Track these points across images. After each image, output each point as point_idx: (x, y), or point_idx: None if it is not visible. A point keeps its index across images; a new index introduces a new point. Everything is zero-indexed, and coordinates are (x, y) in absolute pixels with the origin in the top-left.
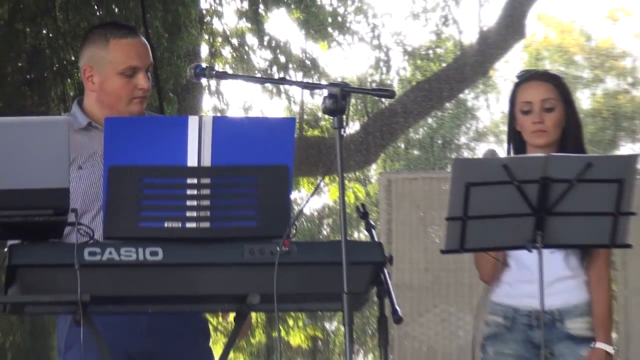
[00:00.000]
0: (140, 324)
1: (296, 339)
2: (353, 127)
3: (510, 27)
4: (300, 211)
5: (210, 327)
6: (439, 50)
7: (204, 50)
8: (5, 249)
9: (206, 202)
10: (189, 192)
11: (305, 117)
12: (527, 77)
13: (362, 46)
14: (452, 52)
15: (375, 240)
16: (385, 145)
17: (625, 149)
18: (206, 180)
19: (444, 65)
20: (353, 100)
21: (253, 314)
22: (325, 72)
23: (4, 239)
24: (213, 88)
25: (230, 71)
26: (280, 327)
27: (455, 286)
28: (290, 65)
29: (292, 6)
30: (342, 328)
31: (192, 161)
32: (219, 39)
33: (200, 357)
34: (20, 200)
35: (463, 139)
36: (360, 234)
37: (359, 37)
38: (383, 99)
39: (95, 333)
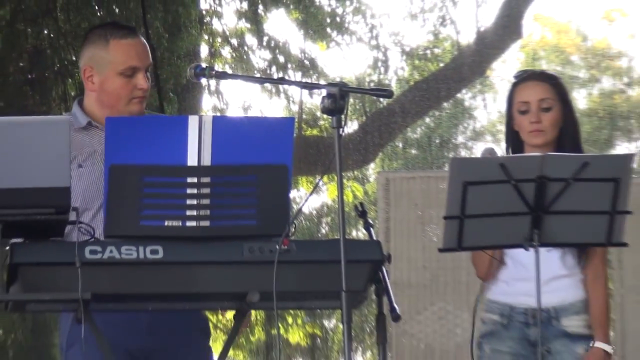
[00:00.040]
0: (141, 322)
1: (295, 336)
2: (351, 127)
3: (507, 28)
4: (299, 210)
5: (210, 325)
6: (436, 51)
7: (204, 50)
8: (7, 248)
9: (206, 201)
10: (189, 191)
11: (304, 116)
12: (525, 77)
13: (361, 46)
14: (450, 52)
15: (373, 239)
16: (384, 145)
17: (621, 148)
18: (206, 179)
19: (441, 65)
20: (351, 100)
21: (252, 312)
22: (323, 72)
23: (6, 237)
24: (213, 88)
25: (229, 71)
26: (280, 325)
27: (453, 284)
28: (289, 65)
29: (291, 7)
30: (341, 326)
31: (192, 160)
32: (219, 39)
33: (200, 355)
34: (22, 199)
35: (460, 139)
36: (359, 233)
37: (357, 37)
38: (381, 99)
39: (96, 331)
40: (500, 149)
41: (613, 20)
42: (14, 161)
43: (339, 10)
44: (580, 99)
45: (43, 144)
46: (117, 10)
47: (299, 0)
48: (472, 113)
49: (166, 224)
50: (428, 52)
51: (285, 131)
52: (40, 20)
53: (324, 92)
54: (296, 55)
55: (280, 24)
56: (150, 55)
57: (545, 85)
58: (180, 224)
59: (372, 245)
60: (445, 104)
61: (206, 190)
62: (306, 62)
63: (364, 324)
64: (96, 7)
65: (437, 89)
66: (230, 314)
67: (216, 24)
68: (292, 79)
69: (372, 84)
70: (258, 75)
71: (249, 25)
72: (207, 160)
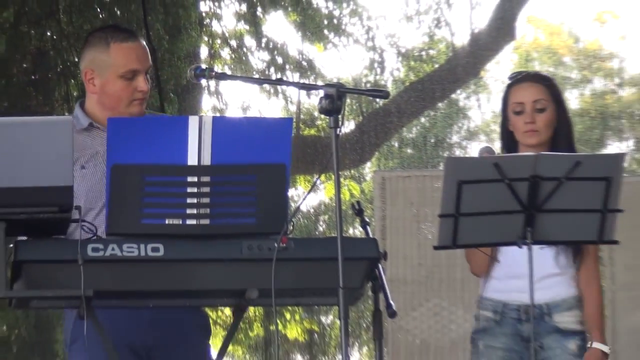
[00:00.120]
0: (143, 318)
1: (293, 332)
2: (348, 127)
3: (501, 29)
4: (297, 208)
5: (210, 322)
6: (431, 52)
7: (204, 51)
8: (11, 245)
9: (206, 200)
10: (189, 190)
11: (302, 116)
12: (519, 79)
13: (357, 48)
14: (445, 53)
15: (369, 237)
16: (380, 144)
17: (613, 147)
18: (206, 179)
19: (436, 66)
20: (348, 101)
21: (251, 308)
22: (321, 73)
23: (10, 235)
24: (212, 88)
25: (229, 72)
26: (278, 321)
27: (448, 281)
28: (288, 67)
29: (289, 9)
30: (338, 322)
31: (192, 160)
32: (218, 41)
33: (199, 351)
34: (25, 198)
35: (455, 138)
36: (356, 231)
37: (354, 39)
38: (377, 99)
39: (98, 327)
40: (496, 149)
41: (605, 22)
42: (17, 161)
43: (336, 13)
44: (573, 100)
45: (46, 143)
46: (118, 13)
47: (296, 2)
48: (466, 113)
49: (167, 222)
50: (423, 53)
51: (284, 131)
52: (44, 23)
53: (321, 92)
54: (294, 56)
55: (279, 26)
56: (150, 58)
57: (540, 87)
58: (181, 222)
59: (368, 243)
60: (440, 104)
61: (206, 189)
62: (304, 63)
63: (360, 320)
64: (98, 10)
65: (432, 90)
66: (229, 310)
67: (216, 26)
68: (290, 79)
69: (368, 85)
70: (257, 76)
71: (247, 27)
72: (207, 160)
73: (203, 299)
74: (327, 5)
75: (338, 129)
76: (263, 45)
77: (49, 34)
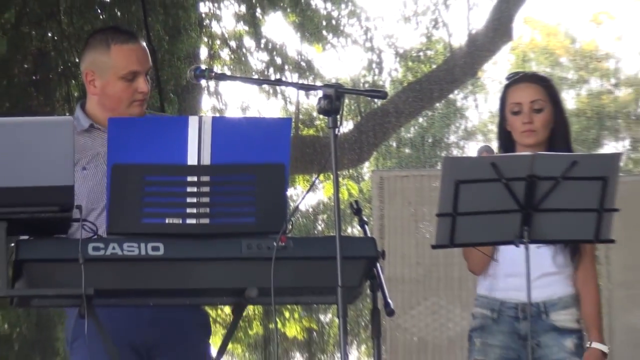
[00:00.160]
0: (144, 316)
1: (292, 330)
2: (347, 127)
3: (498, 30)
4: (296, 207)
5: (210, 320)
6: (429, 52)
7: (203, 52)
8: (12, 244)
9: (206, 199)
10: (189, 189)
11: (300, 117)
12: (517, 79)
13: (356, 48)
14: (442, 54)
15: (368, 236)
16: (378, 144)
17: (609, 147)
18: (206, 178)
19: (434, 66)
20: (347, 101)
21: (251, 307)
22: (320, 73)
23: (12, 234)
24: (212, 89)
25: (228, 72)
26: (277, 319)
27: (445, 280)
28: (286, 67)
29: (288, 10)
30: (337, 320)
31: (192, 160)
32: (218, 42)
33: (200, 350)
34: (27, 198)
35: (452, 138)
36: (354, 230)
37: (352, 39)
38: (376, 100)
39: (98, 325)
40: (493, 148)
41: (601, 23)
42: (18, 161)
43: (335, 14)
44: (569, 100)
45: (47, 143)
46: (119, 14)
47: (295, 3)
48: (464, 113)
49: (167, 221)
50: (421, 54)
51: (283, 131)
52: (45, 24)
53: (320, 93)
54: (293, 57)
55: (278, 27)
56: (150, 59)
57: (537, 87)
58: (181, 221)
59: (366, 242)
60: (437, 105)
61: (206, 189)
62: (303, 63)
63: (359, 319)
64: (99, 11)
65: (429, 90)
66: (229, 309)
67: (215, 27)
68: (289, 80)
69: (366, 85)
70: (256, 76)
71: (247, 28)
72: (206, 160)
73: (203, 298)
74: (325, 6)
75: (336, 129)
76: (262, 46)
77: (49, 34)
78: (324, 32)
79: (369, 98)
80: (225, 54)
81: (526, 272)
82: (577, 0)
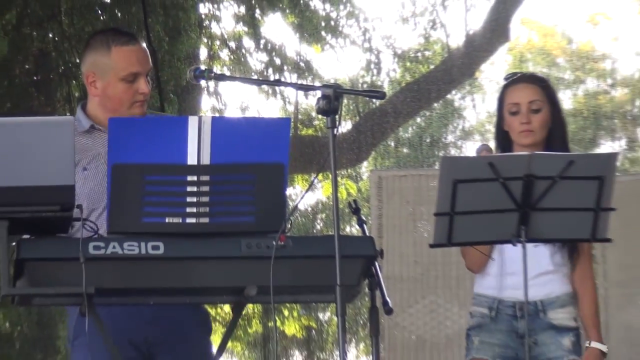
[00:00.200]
0: (145, 315)
1: (291, 328)
2: (345, 127)
3: (495, 31)
4: (295, 207)
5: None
6: (427, 53)
7: (203, 53)
8: (14, 244)
9: (205, 199)
10: (189, 189)
11: (299, 117)
12: (515, 80)
13: (354, 49)
14: (440, 54)
15: (366, 235)
16: (376, 144)
17: (605, 147)
18: (205, 178)
19: (432, 67)
20: (345, 101)
21: (250, 305)
22: (318, 74)
23: (13, 234)
24: (212, 89)
25: (228, 73)
26: (276, 318)
27: (443, 278)
28: (285, 68)
29: (287, 11)
30: (335, 318)
31: (192, 159)
32: (217, 42)
33: (200, 347)
34: (28, 197)
35: (450, 138)
36: (352, 229)
37: (350, 40)
38: (374, 100)
39: (99, 323)
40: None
41: (597, 23)
42: (20, 160)
43: (333, 14)
44: (566, 100)
45: (48, 143)
46: (119, 15)
47: (294, 4)
48: (461, 113)
49: (167, 220)
50: (419, 54)
51: (282, 131)
52: (46, 24)
53: (318, 93)
54: (292, 57)
55: (277, 28)
56: (150, 60)
57: (535, 88)
58: (181, 220)
59: (365, 241)
60: (435, 105)
61: (205, 188)
62: (301, 64)
63: (357, 317)
64: (99, 12)
65: (427, 90)
66: (228, 307)
67: (215, 28)
68: (288, 80)
69: (365, 86)
70: (255, 77)
71: (246, 29)
72: (206, 159)
73: (202, 296)
74: (324, 7)
75: (335, 129)
76: (261, 46)
77: (50, 35)
78: (323, 33)
79: (368, 98)
80: (224, 54)
81: (523, 271)
82: (573, 1)
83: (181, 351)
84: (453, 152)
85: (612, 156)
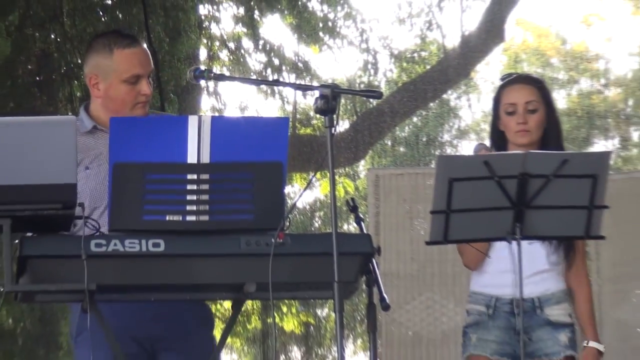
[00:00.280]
0: (147, 312)
1: (290, 324)
2: (343, 126)
3: (491, 32)
4: (294, 205)
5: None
6: (423, 54)
7: (203, 53)
8: (17, 241)
9: (205, 197)
10: (189, 187)
11: (298, 116)
12: (512, 80)
13: (351, 50)
14: (436, 55)
15: (364, 232)
16: (373, 143)
17: (599, 146)
18: (205, 176)
19: (428, 67)
20: (343, 101)
21: (249, 302)
22: (316, 74)
23: (16, 231)
24: (211, 89)
25: (227, 73)
26: (275, 314)
27: (439, 275)
28: (284, 68)
29: (286, 12)
30: (333, 315)
31: (192, 158)
32: (217, 43)
33: (203, 342)
34: (31, 195)
35: (446, 137)
36: (350, 226)
37: (348, 41)
38: (371, 100)
39: (100, 320)
40: None
41: (591, 24)
42: (22, 159)
43: (331, 15)
44: (560, 99)
45: (50, 142)
46: (120, 16)
47: (293, 5)
48: (457, 113)
49: (167, 218)
50: (415, 55)
51: (280, 130)
52: (48, 25)
53: (316, 93)
54: (290, 58)
55: (275, 29)
56: (151, 62)
57: (532, 88)
58: (181, 218)
59: (362, 238)
60: (431, 104)
61: (205, 187)
62: (300, 64)
63: (355, 313)
64: (100, 13)
65: (424, 90)
66: (228, 304)
67: (214, 29)
68: (287, 80)
69: (362, 86)
70: (254, 77)
71: (245, 30)
72: (206, 158)
73: (202, 293)
74: (322, 9)
75: (333, 128)
76: (260, 47)
77: (52, 36)
78: (321, 34)
79: (365, 98)
80: (224, 55)
81: (518, 267)
82: (567, 2)
83: (184, 347)
84: (449, 150)
85: (605, 155)
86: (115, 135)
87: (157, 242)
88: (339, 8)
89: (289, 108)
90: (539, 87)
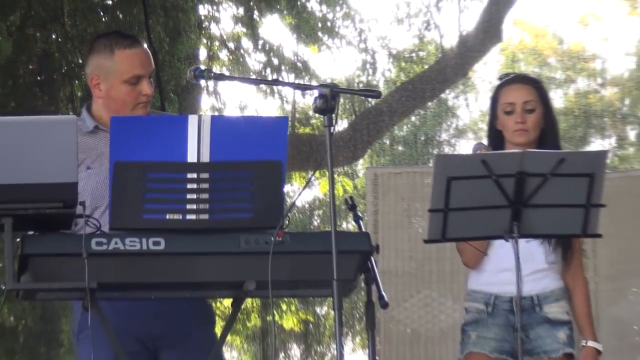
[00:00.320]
0: (148, 309)
1: (289, 322)
2: (342, 125)
3: (488, 32)
4: (293, 203)
5: (213, 310)
6: (421, 53)
7: (203, 53)
8: (18, 239)
9: (205, 196)
10: (189, 186)
11: (297, 115)
12: (510, 80)
13: (350, 49)
14: (434, 54)
15: (362, 231)
16: (372, 142)
17: (596, 145)
18: (205, 175)
19: (426, 67)
20: (342, 100)
21: (249, 300)
22: (315, 73)
23: (17, 230)
24: (211, 89)
25: (227, 73)
26: (275, 312)
27: (438, 273)
28: (283, 68)
29: (285, 12)
30: (332, 312)
31: (192, 157)
32: (217, 43)
33: (204, 340)
34: (32, 194)
35: (444, 136)
36: (349, 225)
37: (346, 41)
38: (370, 99)
39: (101, 318)
40: None
41: (588, 24)
42: (24, 158)
43: (330, 16)
44: (557, 99)
45: (51, 142)
46: (120, 16)
47: (292, 6)
48: (455, 112)
49: (167, 217)
50: (413, 54)
51: (280, 129)
52: (49, 26)
53: (315, 92)
54: (289, 58)
55: (275, 29)
56: (152, 62)
57: (530, 88)
58: (181, 217)
59: (361, 236)
60: (429, 104)
61: (205, 186)
62: (299, 64)
63: (353, 311)
64: (101, 13)
65: (422, 90)
66: (228, 302)
67: (214, 29)
68: (286, 80)
69: (361, 85)
70: (253, 76)
71: (245, 30)
72: (206, 157)
73: (203, 291)
74: (321, 9)
75: (332, 128)
76: (260, 47)
77: (54, 36)
78: (320, 34)
79: (363, 97)
80: (223, 55)
81: (515, 265)
82: (564, 2)
83: (185, 345)
84: (447, 149)
85: (602, 154)
86: (116, 134)
87: (157, 241)
88: (337, 8)
89: (288, 107)
90: (537, 87)
